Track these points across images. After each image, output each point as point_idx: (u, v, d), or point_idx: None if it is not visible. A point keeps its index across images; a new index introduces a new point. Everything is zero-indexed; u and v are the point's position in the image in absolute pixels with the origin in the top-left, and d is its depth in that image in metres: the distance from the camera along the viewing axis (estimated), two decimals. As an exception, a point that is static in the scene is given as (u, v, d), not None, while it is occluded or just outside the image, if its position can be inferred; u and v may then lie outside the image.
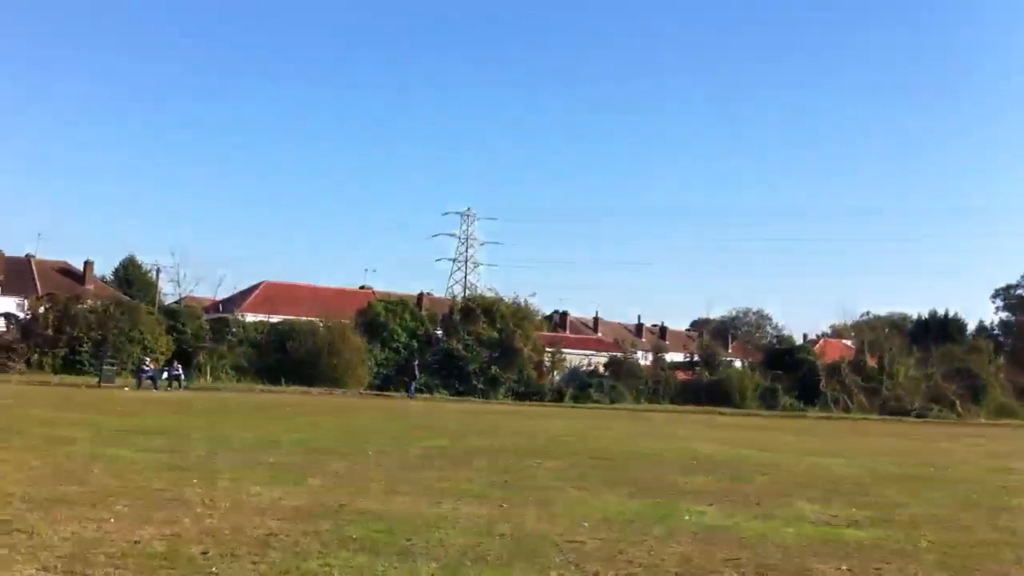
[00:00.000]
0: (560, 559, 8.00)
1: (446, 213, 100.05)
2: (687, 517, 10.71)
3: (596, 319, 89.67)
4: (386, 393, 51.38)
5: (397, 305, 59.20)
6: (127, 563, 7.05)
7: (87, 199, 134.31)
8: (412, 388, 51.46)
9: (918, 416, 58.03)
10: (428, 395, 51.36)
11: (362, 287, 76.93)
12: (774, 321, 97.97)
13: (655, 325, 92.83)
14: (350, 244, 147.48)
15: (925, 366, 64.14)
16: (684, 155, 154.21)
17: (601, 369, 61.95)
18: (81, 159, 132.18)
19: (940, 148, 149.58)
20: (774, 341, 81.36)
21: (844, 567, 8.29)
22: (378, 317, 56.66)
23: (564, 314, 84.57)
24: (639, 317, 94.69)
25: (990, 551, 9.50)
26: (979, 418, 59.66)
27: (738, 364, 66.66)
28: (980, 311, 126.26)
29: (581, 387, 57.60)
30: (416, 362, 53.43)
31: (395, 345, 56.16)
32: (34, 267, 65.00)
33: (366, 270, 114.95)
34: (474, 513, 10.26)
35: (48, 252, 67.91)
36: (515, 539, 8.83)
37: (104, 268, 71.99)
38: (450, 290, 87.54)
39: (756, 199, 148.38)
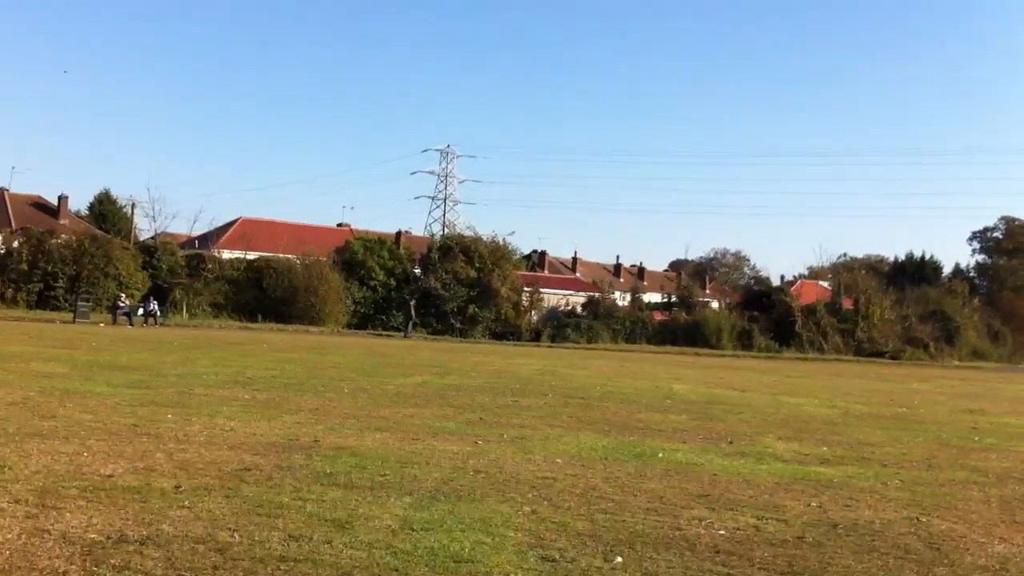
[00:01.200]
0: (533, 495, 8.05)
1: (425, 150, 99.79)
2: (660, 455, 10.79)
3: (575, 259, 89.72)
4: (372, 332, 51.40)
5: (375, 243, 58.98)
6: (99, 496, 7.04)
7: (61, 133, 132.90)
8: (410, 327, 51.34)
9: (892, 358, 58.66)
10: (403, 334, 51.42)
11: (340, 225, 76.59)
12: (752, 263, 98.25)
13: (633, 265, 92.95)
14: (328, 181, 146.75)
15: (900, 308, 64.62)
16: (666, 94, 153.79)
17: (579, 309, 62.11)
18: (55, 92, 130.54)
19: (919, 90, 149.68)
20: (751, 282, 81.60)
21: (814, 503, 8.38)
22: (356, 255, 56.46)
23: (543, 254, 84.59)
24: (618, 257, 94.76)
25: (959, 490, 9.63)
26: (952, 360, 60.36)
27: (715, 305, 66.92)
28: (957, 254, 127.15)
29: (559, 327, 57.78)
30: (413, 302, 53.17)
31: (373, 283, 56.06)
32: (7, 201, 64.25)
33: (344, 207, 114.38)
34: (449, 450, 10.29)
35: (21, 186, 67.19)
36: (489, 475, 8.87)
37: (78, 203, 71.26)
38: (428, 228, 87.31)
39: (736, 139, 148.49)
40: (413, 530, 6.55)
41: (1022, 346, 69.58)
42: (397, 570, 5.59)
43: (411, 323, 51.70)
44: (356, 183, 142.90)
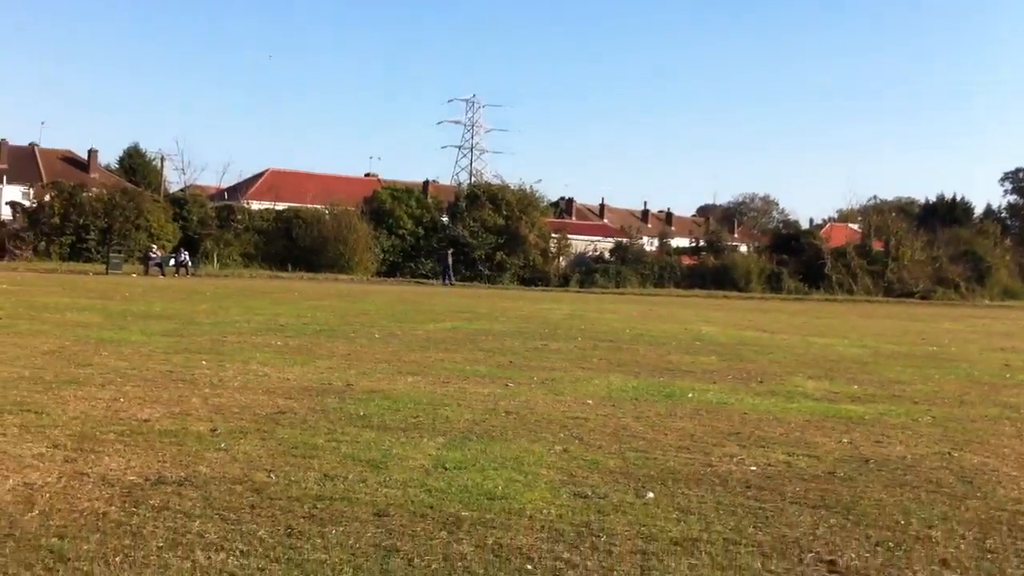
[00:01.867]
0: (564, 434, 8.10)
1: (451, 100, 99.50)
2: (690, 395, 10.81)
3: (602, 205, 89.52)
4: (402, 279, 51.61)
5: (403, 192, 59.07)
6: (137, 440, 7.15)
7: (90, 87, 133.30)
8: (449, 276, 51.34)
9: (922, 298, 58.29)
10: (436, 281, 51.59)
11: (367, 175, 76.66)
12: (780, 206, 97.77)
13: (661, 211, 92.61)
14: (355, 131, 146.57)
15: (931, 249, 64.08)
16: (691, 38, 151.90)
17: (607, 255, 62.01)
18: (84, 47, 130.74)
19: (951, 30, 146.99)
20: (780, 226, 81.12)
21: (845, 440, 8.38)
22: (384, 204, 56.59)
23: (570, 200, 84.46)
24: (645, 203, 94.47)
25: (991, 425, 9.60)
26: (983, 299, 59.90)
27: (744, 249, 66.64)
28: (989, 195, 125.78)
29: (587, 272, 57.78)
30: (451, 250, 53.14)
31: (401, 232, 56.21)
32: (38, 155, 64.81)
33: (371, 158, 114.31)
34: (480, 392, 10.36)
35: (52, 140, 67.76)
36: (520, 416, 8.93)
37: (108, 157, 71.73)
38: (455, 177, 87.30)
39: (764, 81, 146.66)
40: (446, 469, 6.62)
41: (1054, 285, 68.90)
42: (432, 507, 5.65)
43: (448, 274, 51.64)
44: (382, 133, 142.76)
